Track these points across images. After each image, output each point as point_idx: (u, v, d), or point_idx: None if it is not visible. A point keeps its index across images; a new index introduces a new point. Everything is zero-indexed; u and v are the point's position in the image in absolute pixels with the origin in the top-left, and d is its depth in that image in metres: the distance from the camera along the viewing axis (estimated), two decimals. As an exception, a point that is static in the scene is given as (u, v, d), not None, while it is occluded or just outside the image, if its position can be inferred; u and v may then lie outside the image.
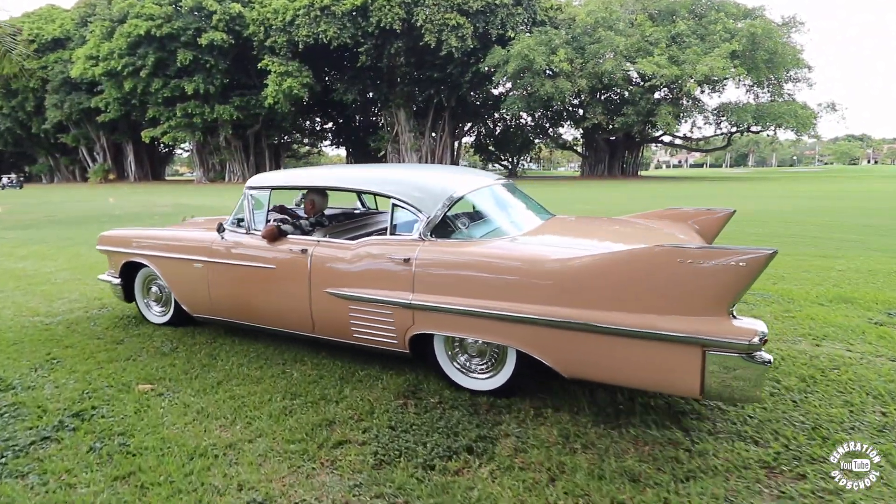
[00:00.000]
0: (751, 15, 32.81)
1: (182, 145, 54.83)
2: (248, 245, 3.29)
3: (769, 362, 1.92)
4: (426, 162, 41.39)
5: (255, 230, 3.28)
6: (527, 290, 2.35)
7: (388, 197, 2.91)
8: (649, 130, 37.53)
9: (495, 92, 44.58)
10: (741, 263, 1.89)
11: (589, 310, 2.18)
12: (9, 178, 44.27)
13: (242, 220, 3.36)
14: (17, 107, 45.25)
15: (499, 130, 50.19)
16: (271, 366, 3.11)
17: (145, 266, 3.88)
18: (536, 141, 48.70)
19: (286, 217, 3.75)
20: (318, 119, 53.12)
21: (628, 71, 31.64)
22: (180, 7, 34.51)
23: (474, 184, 3.12)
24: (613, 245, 2.64)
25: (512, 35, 31.87)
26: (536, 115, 45.38)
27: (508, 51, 30.79)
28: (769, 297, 4.40)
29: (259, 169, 45.97)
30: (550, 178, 43.43)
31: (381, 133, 43.31)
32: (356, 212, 4.33)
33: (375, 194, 3.20)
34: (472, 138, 51.38)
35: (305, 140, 55.68)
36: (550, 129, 44.66)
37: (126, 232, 4.14)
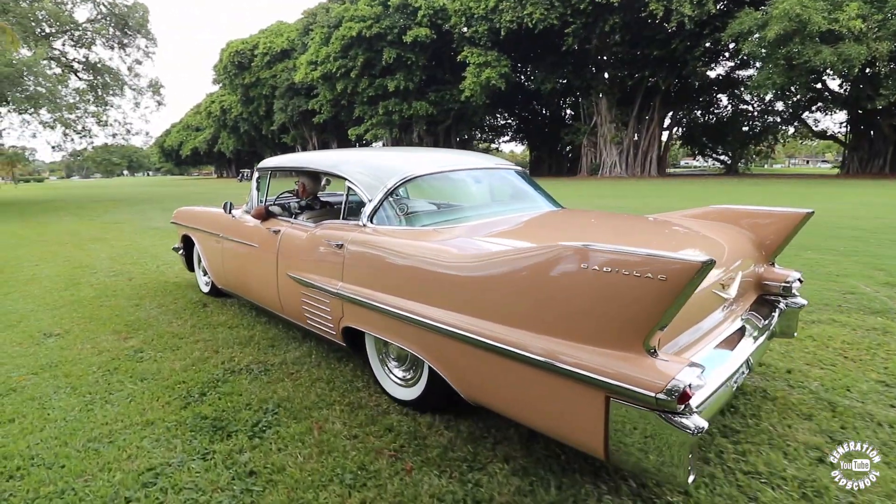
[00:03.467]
0: None
1: (374, 143, 58.47)
2: (245, 223, 3.45)
3: (700, 430, 1.32)
4: (627, 156, 36.30)
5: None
6: (428, 291, 2.01)
7: (344, 179, 2.77)
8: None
9: (712, 74, 37.22)
10: (661, 276, 1.31)
11: (478, 318, 1.79)
12: (245, 172, 52.43)
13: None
14: (253, 112, 52.65)
15: (713, 118, 42.09)
16: None
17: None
18: (774, 129, 39.29)
19: (288, 199, 3.76)
20: (499, 114, 51.41)
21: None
22: (388, 6, 35.26)
23: (448, 165, 2.92)
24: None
25: (773, -10, 25.08)
26: (767, 100, 36.81)
27: (766, 12, 24.15)
28: None
29: (446, 165, 46.00)
30: (803, 177, 34.30)
31: (576, 125, 39.38)
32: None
33: (335, 176, 2.96)
34: (679, 129, 43.99)
35: (483, 136, 54.44)
36: (803, 115, 35.42)
37: (187, 209, 4.70)
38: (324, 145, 52.87)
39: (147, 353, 3.15)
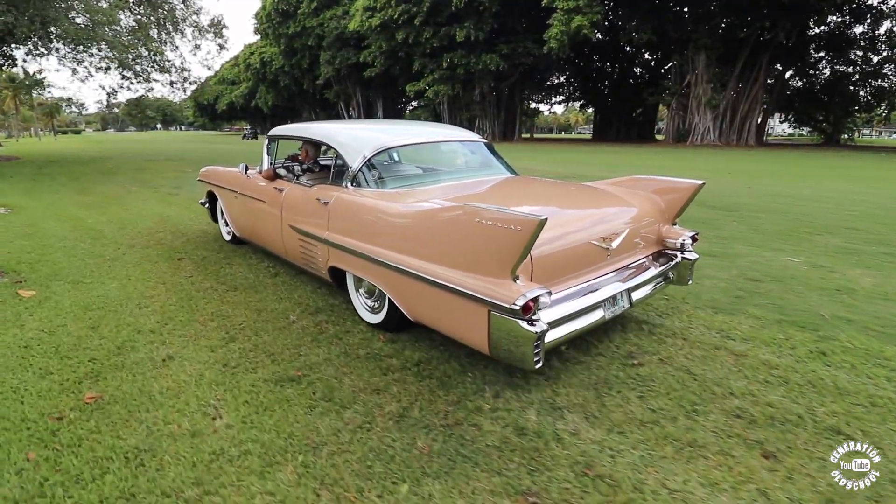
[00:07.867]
0: None
1: (413, 101, 54.15)
2: (257, 182, 4.15)
3: (542, 332, 2.03)
4: (721, 121, 31.91)
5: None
6: (384, 237, 2.70)
7: (332, 147, 3.43)
8: None
9: (818, 30, 31.94)
10: (516, 227, 1.96)
11: (414, 258, 2.48)
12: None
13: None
14: (295, 65, 48.88)
15: (820, 81, 36.84)
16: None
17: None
18: (891, 95, 34.10)
19: (293, 162, 4.29)
20: (554, 73, 46.47)
21: None
22: (463, -60, 30.72)
23: (421, 137, 3.68)
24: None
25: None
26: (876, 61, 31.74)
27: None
28: None
29: (507, 129, 41.98)
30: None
31: (664, 84, 34.84)
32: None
33: (327, 145, 3.58)
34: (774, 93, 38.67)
35: (532, 95, 49.50)
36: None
37: (211, 168, 5.37)
38: (368, 103, 49.12)
39: None
